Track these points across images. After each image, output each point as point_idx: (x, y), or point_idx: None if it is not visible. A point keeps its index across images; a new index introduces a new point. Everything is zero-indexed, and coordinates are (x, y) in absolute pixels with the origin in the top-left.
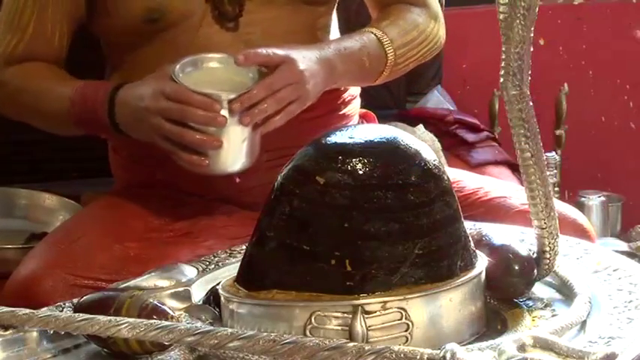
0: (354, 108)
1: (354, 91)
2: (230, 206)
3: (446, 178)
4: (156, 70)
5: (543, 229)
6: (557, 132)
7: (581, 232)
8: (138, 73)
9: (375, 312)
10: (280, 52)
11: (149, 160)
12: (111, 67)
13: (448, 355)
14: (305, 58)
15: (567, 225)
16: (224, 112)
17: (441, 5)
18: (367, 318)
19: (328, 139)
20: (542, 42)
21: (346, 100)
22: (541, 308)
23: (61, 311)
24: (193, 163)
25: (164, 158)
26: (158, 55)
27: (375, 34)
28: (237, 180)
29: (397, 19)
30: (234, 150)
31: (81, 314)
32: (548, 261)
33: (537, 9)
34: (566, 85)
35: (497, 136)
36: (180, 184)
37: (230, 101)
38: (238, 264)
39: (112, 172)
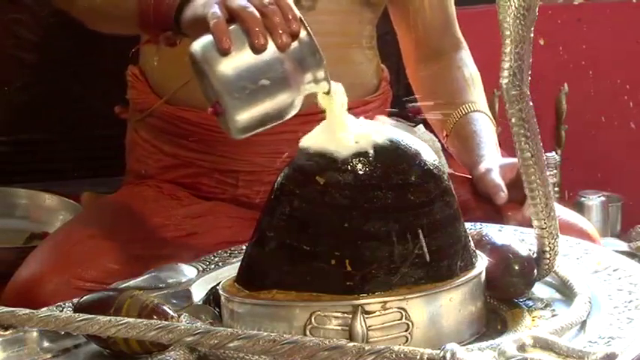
0: None
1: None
2: (235, 207)
3: (446, 178)
4: None
5: (543, 229)
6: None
7: (588, 240)
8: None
9: (375, 312)
10: None
11: (173, 135)
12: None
13: (448, 355)
14: None
15: (573, 233)
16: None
17: None
18: (367, 318)
19: None
20: (542, 42)
21: None
22: (541, 308)
23: (61, 311)
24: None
25: (190, 135)
26: None
27: (486, 114)
28: None
29: (475, 84)
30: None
31: (81, 314)
32: (548, 261)
33: (537, 9)
34: (566, 85)
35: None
36: (200, 162)
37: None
38: (238, 264)
39: (127, 162)
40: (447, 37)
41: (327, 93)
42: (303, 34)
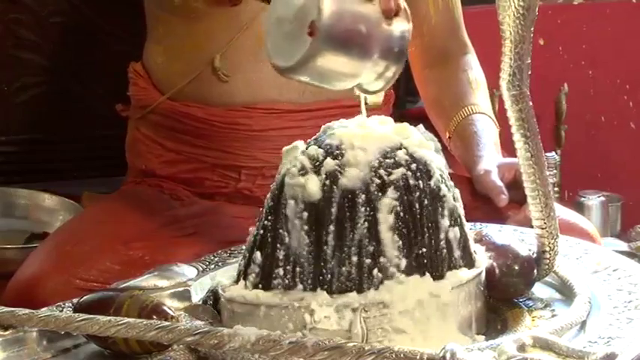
0: None
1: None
2: (235, 206)
3: (446, 178)
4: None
5: (543, 229)
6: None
7: (589, 240)
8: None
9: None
10: None
11: (175, 131)
12: (154, 41)
13: (448, 355)
14: None
15: (574, 233)
16: None
17: None
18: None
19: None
20: (542, 42)
21: None
22: (541, 308)
23: (61, 311)
24: None
25: (193, 131)
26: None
27: (489, 117)
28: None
29: (480, 87)
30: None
31: (81, 314)
32: (548, 261)
33: (537, 9)
34: (566, 85)
35: None
36: (203, 158)
37: None
38: (238, 264)
39: (128, 160)
40: (453, 41)
41: (374, 93)
42: (405, 26)
